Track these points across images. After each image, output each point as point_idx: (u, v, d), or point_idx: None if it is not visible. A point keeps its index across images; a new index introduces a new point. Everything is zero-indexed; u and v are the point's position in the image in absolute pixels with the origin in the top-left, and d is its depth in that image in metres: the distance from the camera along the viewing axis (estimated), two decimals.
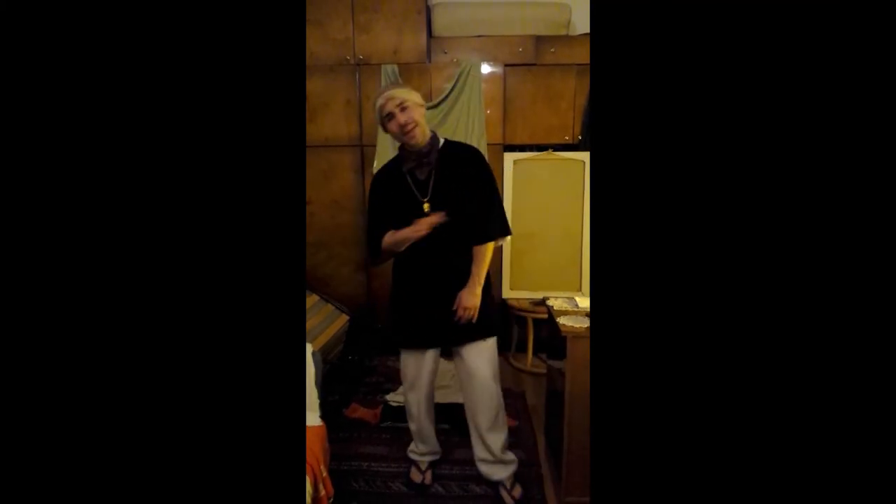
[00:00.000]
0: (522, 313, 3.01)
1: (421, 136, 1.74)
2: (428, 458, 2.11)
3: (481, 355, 1.84)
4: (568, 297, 2.21)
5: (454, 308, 1.77)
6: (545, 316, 2.29)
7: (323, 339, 2.66)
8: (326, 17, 2.99)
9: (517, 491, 1.94)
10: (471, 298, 1.77)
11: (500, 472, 1.94)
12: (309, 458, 1.57)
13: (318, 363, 1.86)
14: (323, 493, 1.62)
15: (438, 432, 2.17)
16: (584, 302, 2.08)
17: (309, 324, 2.67)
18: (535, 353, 3.09)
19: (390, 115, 1.71)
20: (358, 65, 3.02)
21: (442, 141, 1.83)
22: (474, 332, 1.82)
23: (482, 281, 1.80)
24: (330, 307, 3.02)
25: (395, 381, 2.93)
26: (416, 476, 2.08)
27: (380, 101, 1.72)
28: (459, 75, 2.95)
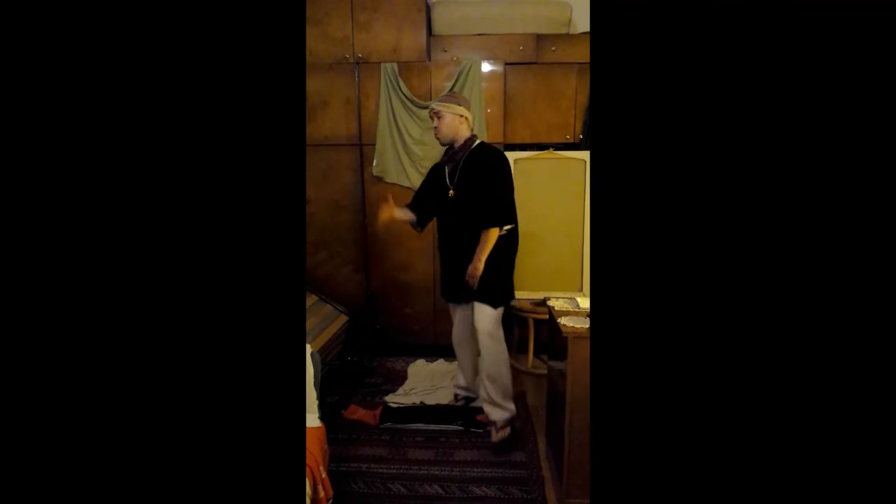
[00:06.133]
0: (523, 314, 2.99)
1: (443, 137, 2.26)
2: (464, 394, 2.65)
3: (482, 314, 2.29)
4: (569, 298, 2.19)
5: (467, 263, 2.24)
6: (546, 316, 2.28)
7: (322, 340, 2.64)
8: (326, 16, 2.97)
9: (505, 432, 2.30)
10: (472, 270, 2.21)
11: (495, 414, 2.30)
12: (308, 459, 1.55)
13: (317, 364, 1.84)
14: (322, 494, 1.61)
15: (440, 434, 2.40)
16: (586, 302, 2.07)
17: (308, 324, 2.66)
18: (535, 354, 3.08)
19: (431, 119, 2.29)
20: (357, 63, 3.00)
21: (476, 143, 2.28)
22: (478, 297, 2.27)
23: (483, 257, 2.19)
24: (329, 307, 3.01)
25: (394, 381, 2.92)
26: (452, 400, 2.67)
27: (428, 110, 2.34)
28: (459, 74, 2.93)
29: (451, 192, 2.28)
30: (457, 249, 2.29)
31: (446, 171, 2.32)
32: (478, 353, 2.41)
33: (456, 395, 2.70)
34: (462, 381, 2.67)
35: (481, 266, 2.19)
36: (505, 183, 2.20)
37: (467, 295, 2.29)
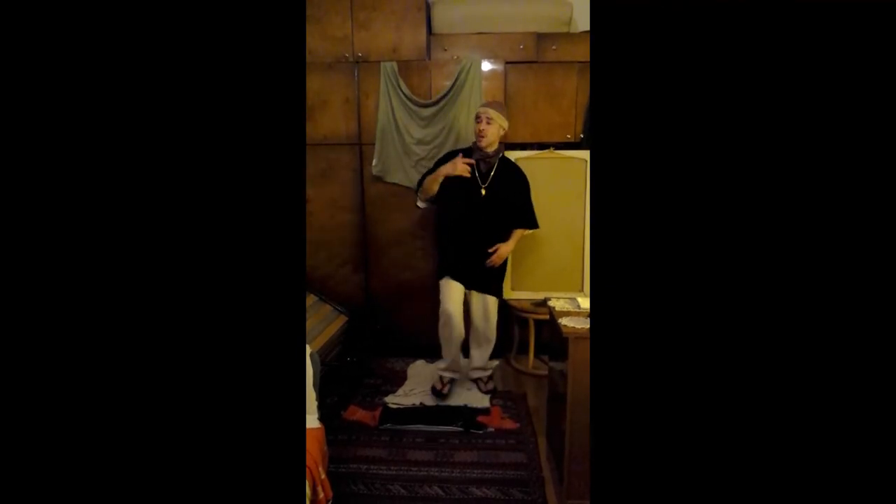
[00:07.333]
0: (523, 314, 2.98)
1: (486, 144, 2.51)
2: (449, 375, 2.76)
3: (496, 306, 2.72)
4: (570, 298, 2.18)
5: (491, 252, 2.57)
6: (546, 317, 2.26)
7: (321, 340, 2.63)
8: (325, 15, 2.95)
9: (489, 385, 2.82)
10: (503, 249, 2.58)
11: (479, 374, 2.83)
12: (307, 460, 1.54)
13: (316, 364, 1.83)
14: (321, 495, 1.61)
15: (440, 435, 2.40)
16: (586, 303, 2.06)
17: (307, 324, 2.64)
18: (536, 355, 3.06)
19: (478, 119, 2.49)
20: (357, 62, 2.99)
21: (500, 155, 2.61)
22: (494, 291, 2.70)
23: (513, 245, 2.63)
24: (328, 307, 3.00)
25: (394, 382, 2.91)
26: (437, 384, 2.76)
27: (479, 109, 2.52)
28: (460, 73, 2.92)
29: (483, 190, 2.53)
30: (480, 244, 2.57)
31: (475, 168, 2.53)
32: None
33: (441, 378, 2.76)
34: (476, 362, 2.80)
35: (510, 249, 2.61)
36: (530, 190, 2.65)
37: (483, 284, 2.66)
